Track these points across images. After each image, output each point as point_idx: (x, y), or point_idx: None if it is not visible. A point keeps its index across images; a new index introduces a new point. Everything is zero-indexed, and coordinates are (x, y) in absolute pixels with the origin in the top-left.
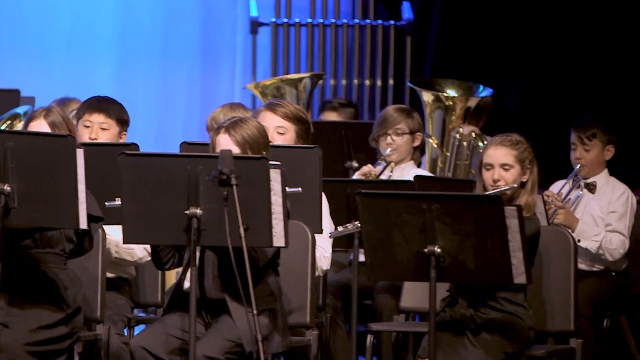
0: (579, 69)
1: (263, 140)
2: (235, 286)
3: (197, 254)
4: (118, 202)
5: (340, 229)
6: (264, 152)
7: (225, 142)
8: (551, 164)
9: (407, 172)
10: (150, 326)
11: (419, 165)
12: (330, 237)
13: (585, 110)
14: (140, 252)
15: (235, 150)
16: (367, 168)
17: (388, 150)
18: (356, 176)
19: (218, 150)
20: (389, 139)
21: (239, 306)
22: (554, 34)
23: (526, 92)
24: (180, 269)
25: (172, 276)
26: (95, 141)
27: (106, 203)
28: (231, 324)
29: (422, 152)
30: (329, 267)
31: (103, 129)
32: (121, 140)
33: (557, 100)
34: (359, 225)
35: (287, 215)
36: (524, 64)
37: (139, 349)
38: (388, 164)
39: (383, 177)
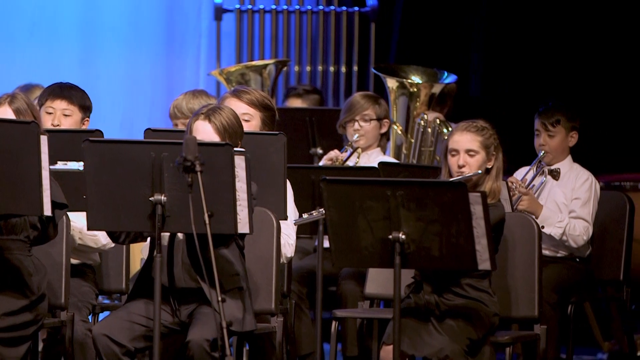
0: (542, 54)
1: (239, 128)
2: (209, 274)
3: (166, 241)
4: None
5: (305, 216)
6: (239, 141)
7: (205, 129)
8: (515, 150)
9: (374, 158)
10: (113, 313)
11: (386, 152)
12: (294, 224)
13: (549, 96)
14: (104, 239)
15: (215, 137)
16: (334, 153)
17: (355, 136)
18: (323, 162)
19: (196, 136)
20: (356, 125)
21: (213, 293)
22: (517, 19)
23: (490, 79)
24: (145, 255)
25: (136, 263)
26: (59, 128)
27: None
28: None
29: (387, 139)
30: (292, 255)
31: (66, 115)
32: (84, 127)
33: (520, 85)
34: (324, 212)
35: (252, 202)
36: (488, 51)
37: (101, 336)
38: (355, 150)
39: (350, 163)
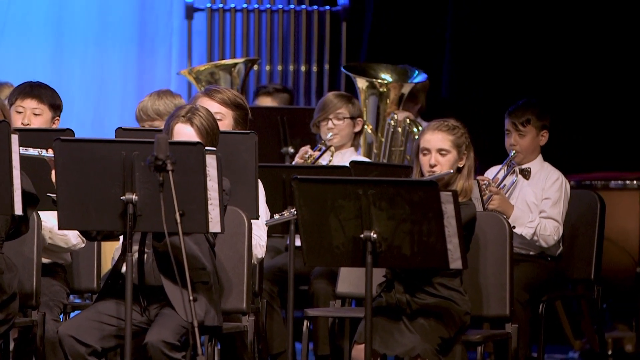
0: (513, 53)
1: (217, 128)
2: (172, 271)
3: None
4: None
5: (276, 216)
6: (216, 141)
7: (187, 132)
8: (486, 149)
9: (347, 158)
10: (80, 313)
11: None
12: (266, 225)
13: (519, 95)
14: (75, 239)
15: (197, 140)
16: (306, 149)
17: (329, 135)
18: (295, 160)
19: (177, 139)
20: (329, 124)
21: (176, 291)
22: (487, 19)
23: (460, 78)
24: (116, 255)
25: (107, 262)
26: (29, 127)
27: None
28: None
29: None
30: (263, 256)
31: (36, 114)
32: (54, 126)
33: (490, 84)
34: (295, 212)
35: (224, 199)
36: (459, 50)
37: (67, 336)
38: (328, 148)
39: (323, 162)
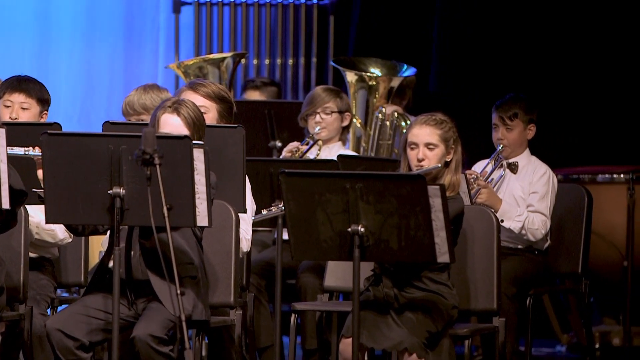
0: (500, 47)
1: (203, 121)
2: (159, 266)
3: (125, 233)
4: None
5: (264, 212)
6: (203, 134)
7: (174, 122)
8: (474, 142)
9: (335, 152)
10: (68, 307)
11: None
12: (254, 220)
13: (506, 89)
14: (62, 233)
15: (185, 131)
16: (294, 144)
17: (317, 129)
18: (283, 154)
19: (164, 130)
20: (317, 118)
21: (163, 285)
22: (474, 13)
23: (448, 72)
24: (104, 249)
25: (95, 256)
26: (17, 121)
27: (34, 190)
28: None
29: (348, 132)
30: (249, 249)
31: (24, 108)
32: (42, 120)
33: (477, 78)
34: (283, 208)
35: (211, 193)
36: (446, 44)
37: (55, 330)
38: (315, 142)
39: (311, 156)
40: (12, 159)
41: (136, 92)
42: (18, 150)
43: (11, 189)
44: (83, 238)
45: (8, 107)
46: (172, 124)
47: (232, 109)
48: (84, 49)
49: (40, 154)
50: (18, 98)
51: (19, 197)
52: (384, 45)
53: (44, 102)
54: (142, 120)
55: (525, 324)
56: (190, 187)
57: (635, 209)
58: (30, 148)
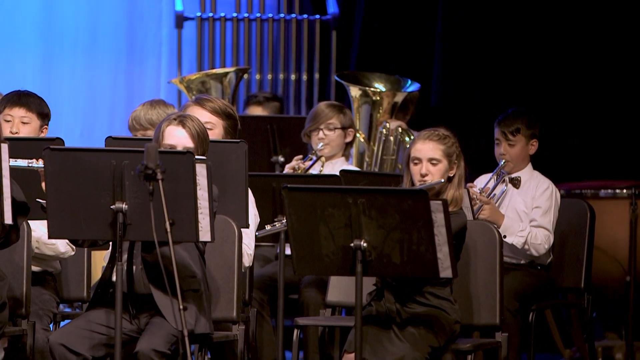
0: (502, 62)
1: (207, 136)
2: (161, 280)
3: (127, 247)
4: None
5: (267, 227)
6: (206, 149)
7: (179, 135)
8: (476, 157)
9: (338, 168)
10: (71, 322)
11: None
12: (258, 236)
13: (508, 103)
14: (63, 247)
15: (189, 143)
16: (296, 162)
17: (320, 145)
18: (285, 170)
19: (169, 142)
20: (320, 134)
21: (165, 299)
22: (475, 27)
23: (450, 86)
24: (105, 264)
25: (98, 271)
26: (19, 136)
27: (37, 200)
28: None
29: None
30: (250, 264)
31: (24, 123)
32: (42, 135)
33: (480, 93)
34: (286, 223)
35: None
36: (447, 58)
37: (58, 345)
38: (318, 158)
39: (313, 172)
40: (17, 170)
41: (142, 107)
42: (21, 162)
43: (14, 202)
44: (85, 253)
45: (8, 121)
46: (177, 136)
47: (237, 125)
48: (87, 63)
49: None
50: (18, 112)
51: (20, 211)
52: (386, 60)
53: (44, 116)
54: (148, 135)
55: (528, 339)
56: (193, 202)
57: (637, 223)
58: (34, 160)
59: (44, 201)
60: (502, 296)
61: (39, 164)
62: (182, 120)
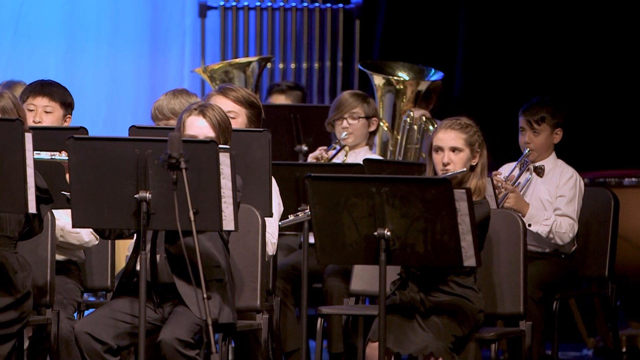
0: (527, 50)
1: (230, 125)
2: (184, 269)
3: (150, 236)
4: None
5: (291, 217)
6: (229, 138)
7: (200, 124)
8: (500, 146)
9: (361, 157)
10: (96, 310)
11: (372, 150)
12: (281, 225)
13: (533, 92)
14: (87, 236)
15: (210, 133)
16: (319, 152)
17: (344, 134)
18: (309, 159)
19: (190, 132)
20: (344, 123)
21: (189, 289)
22: (500, 16)
23: (474, 75)
24: (129, 253)
25: (121, 260)
26: (44, 125)
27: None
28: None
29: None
30: (274, 253)
31: (47, 112)
32: (65, 124)
33: (504, 81)
34: (309, 212)
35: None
36: (471, 47)
37: (83, 334)
38: (342, 147)
39: (337, 161)
40: (40, 163)
41: (165, 97)
42: (45, 155)
43: (37, 192)
44: (109, 243)
45: (32, 110)
46: (198, 126)
47: (260, 114)
48: (110, 53)
49: (67, 157)
50: (41, 102)
51: (44, 201)
52: (409, 49)
53: (67, 105)
54: (171, 124)
55: (552, 328)
56: (217, 191)
57: None
58: (57, 152)
59: (68, 193)
60: (526, 285)
61: (62, 156)
62: (202, 110)
